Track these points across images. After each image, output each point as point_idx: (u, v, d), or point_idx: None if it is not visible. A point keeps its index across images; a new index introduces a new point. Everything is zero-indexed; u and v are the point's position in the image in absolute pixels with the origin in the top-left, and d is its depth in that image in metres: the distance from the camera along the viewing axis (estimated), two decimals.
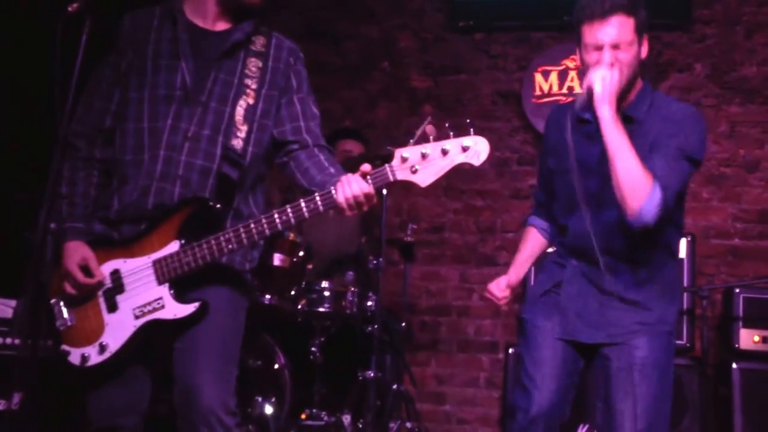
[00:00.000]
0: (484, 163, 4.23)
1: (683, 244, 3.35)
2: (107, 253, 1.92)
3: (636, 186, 1.88)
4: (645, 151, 1.96)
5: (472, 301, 4.05)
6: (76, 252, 1.89)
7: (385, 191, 3.23)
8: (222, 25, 2.00)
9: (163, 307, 1.86)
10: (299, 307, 3.19)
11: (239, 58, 1.97)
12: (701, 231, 3.80)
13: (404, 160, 1.74)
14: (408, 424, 3.32)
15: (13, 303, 2.93)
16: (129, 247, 1.90)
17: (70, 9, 1.72)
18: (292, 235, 3.25)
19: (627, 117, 2.01)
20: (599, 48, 1.98)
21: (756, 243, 3.82)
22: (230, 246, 1.83)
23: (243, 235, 1.82)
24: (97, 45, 1.86)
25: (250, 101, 1.95)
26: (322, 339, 3.27)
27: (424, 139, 1.73)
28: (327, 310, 3.24)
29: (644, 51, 2.04)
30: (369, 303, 3.27)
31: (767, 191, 3.85)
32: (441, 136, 1.73)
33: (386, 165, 1.76)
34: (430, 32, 4.27)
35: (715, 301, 3.58)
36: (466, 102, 4.20)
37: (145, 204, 1.91)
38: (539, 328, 2.11)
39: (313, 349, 3.23)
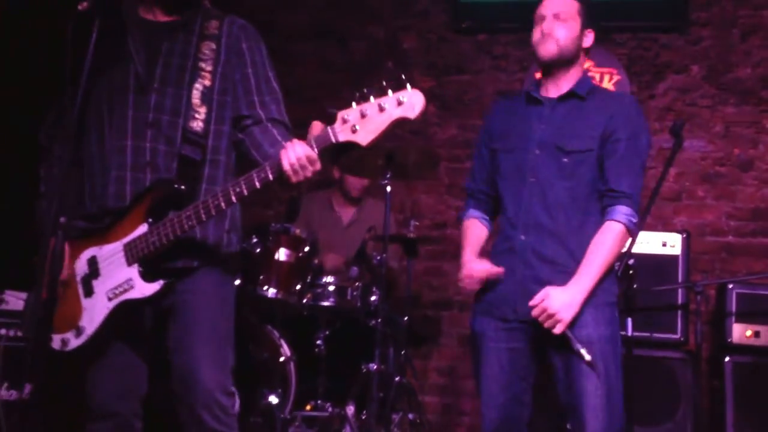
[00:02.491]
0: None
1: (678, 241, 3.42)
2: (86, 243, 1.97)
3: (620, 249, 2.09)
4: (589, 122, 2.13)
5: (473, 296, 4.12)
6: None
7: (389, 188, 3.29)
8: (167, 17, 2.03)
9: (132, 287, 1.89)
10: (304, 301, 3.25)
11: (191, 43, 2.00)
12: (696, 228, 3.87)
13: (345, 121, 1.71)
14: (410, 416, 3.36)
15: (24, 295, 2.99)
16: (105, 234, 1.95)
17: (80, 8, 1.75)
18: (297, 231, 3.32)
19: (573, 93, 2.18)
20: (541, 18, 2.17)
21: (749, 240, 3.89)
22: (190, 222, 1.84)
23: (201, 210, 1.83)
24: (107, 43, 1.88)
25: (207, 83, 1.97)
26: (327, 332, 3.33)
27: (364, 99, 1.70)
28: (331, 304, 3.30)
29: (586, 40, 2.21)
30: (372, 297, 3.34)
31: (761, 190, 3.92)
32: (380, 93, 1.69)
33: (328, 127, 1.74)
34: (434, 33, 4.33)
35: (708, 296, 3.63)
36: (469, 102, 4.27)
37: (123, 194, 1.95)
38: (486, 337, 2.14)
39: (317, 342, 3.30)
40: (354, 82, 4.40)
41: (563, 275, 2.07)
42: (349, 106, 1.72)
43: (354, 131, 1.70)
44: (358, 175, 3.71)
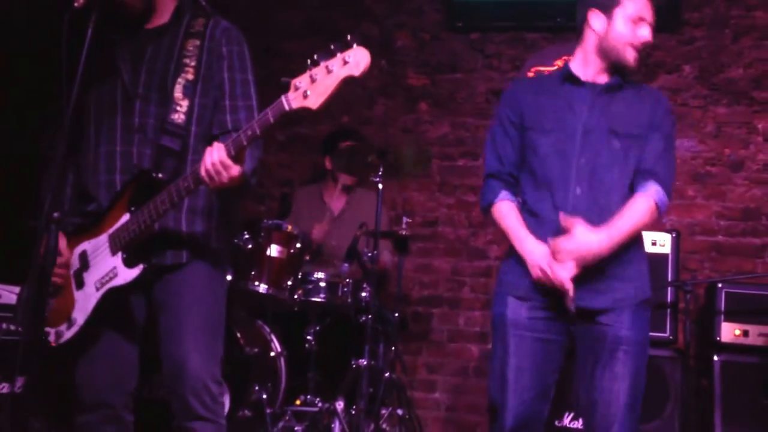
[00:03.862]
0: (479, 160, 4.34)
1: (668, 240, 3.43)
2: (79, 239, 2.03)
3: (647, 223, 2.08)
4: (638, 109, 2.13)
5: (463, 293, 4.13)
6: None
7: (381, 186, 3.29)
8: (153, 24, 2.06)
9: (116, 275, 1.94)
10: (295, 296, 3.26)
11: (176, 44, 2.02)
12: (686, 227, 3.88)
13: (297, 88, 1.73)
14: (399, 411, 3.36)
15: (17, 289, 3.00)
16: (94, 229, 2.00)
17: (76, 4, 1.77)
18: (289, 227, 3.33)
19: (614, 82, 2.16)
20: (642, 20, 2.11)
21: (739, 240, 3.90)
22: (164, 206, 1.87)
23: (173, 193, 1.87)
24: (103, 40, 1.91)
25: (189, 77, 1.99)
26: (317, 328, 3.34)
27: (315, 64, 1.71)
28: (322, 300, 3.32)
29: None
30: (363, 294, 3.35)
31: (751, 190, 3.93)
32: (329, 56, 1.71)
33: (282, 96, 1.75)
34: (427, 32, 4.34)
35: (698, 295, 3.63)
36: (461, 100, 4.27)
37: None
38: (519, 326, 2.06)
39: (308, 337, 3.31)
40: (347, 81, 4.40)
41: (624, 265, 2.06)
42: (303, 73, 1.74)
43: (305, 96, 1.71)
44: (349, 174, 3.74)
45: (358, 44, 1.68)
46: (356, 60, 1.68)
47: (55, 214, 1.72)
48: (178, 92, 1.98)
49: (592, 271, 2.02)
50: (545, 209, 2.09)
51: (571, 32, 4.00)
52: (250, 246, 3.23)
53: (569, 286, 1.98)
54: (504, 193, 2.19)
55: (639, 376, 2.02)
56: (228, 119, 2.02)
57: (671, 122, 2.17)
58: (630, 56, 2.12)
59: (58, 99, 1.79)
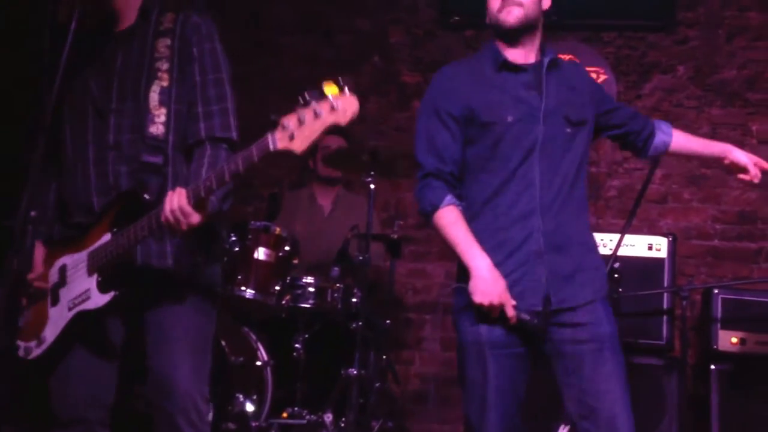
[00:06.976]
0: None
1: (664, 244, 3.38)
2: (60, 251, 1.97)
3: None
4: (581, 92, 2.10)
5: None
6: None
7: (372, 186, 3.20)
8: (122, 26, 1.98)
9: (89, 297, 1.89)
10: (283, 302, 3.17)
11: (146, 46, 1.93)
12: (682, 231, 3.84)
13: (284, 128, 1.66)
14: (390, 423, 3.30)
15: None
16: (76, 243, 1.94)
17: None
18: (278, 230, 3.23)
19: (555, 61, 2.08)
20: None
21: (735, 244, 3.88)
22: (143, 233, 1.80)
23: (153, 222, 1.80)
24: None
25: (164, 84, 1.91)
26: (306, 335, 3.25)
27: (306, 103, 1.64)
28: (311, 306, 3.22)
29: (545, 1, 2.11)
30: (354, 299, 3.26)
31: (746, 193, 3.90)
32: (320, 98, 1.63)
33: (268, 134, 1.68)
34: (421, 28, 4.28)
35: (694, 301, 3.61)
36: None
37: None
38: (496, 344, 1.97)
39: (296, 345, 3.22)
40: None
41: (591, 253, 2.04)
42: (293, 111, 1.66)
43: (291, 139, 1.65)
44: (337, 169, 3.65)
45: (350, 89, 1.61)
46: (344, 108, 1.62)
47: (33, 213, 1.69)
48: (153, 101, 1.89)
49: (568, 264, 1.98)
50: (517, 212, 2.00)
51: (567, 30, 4.03)
52: (236, 249, 3.13)
53: (512, 313, 1.94)
54: (449, 198, 2.01)
55: (624, 371, 1.99)
56: (201, 127, 1.93)
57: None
58: (501, 18, 2.02)
59: (40, 102, 1.74)
